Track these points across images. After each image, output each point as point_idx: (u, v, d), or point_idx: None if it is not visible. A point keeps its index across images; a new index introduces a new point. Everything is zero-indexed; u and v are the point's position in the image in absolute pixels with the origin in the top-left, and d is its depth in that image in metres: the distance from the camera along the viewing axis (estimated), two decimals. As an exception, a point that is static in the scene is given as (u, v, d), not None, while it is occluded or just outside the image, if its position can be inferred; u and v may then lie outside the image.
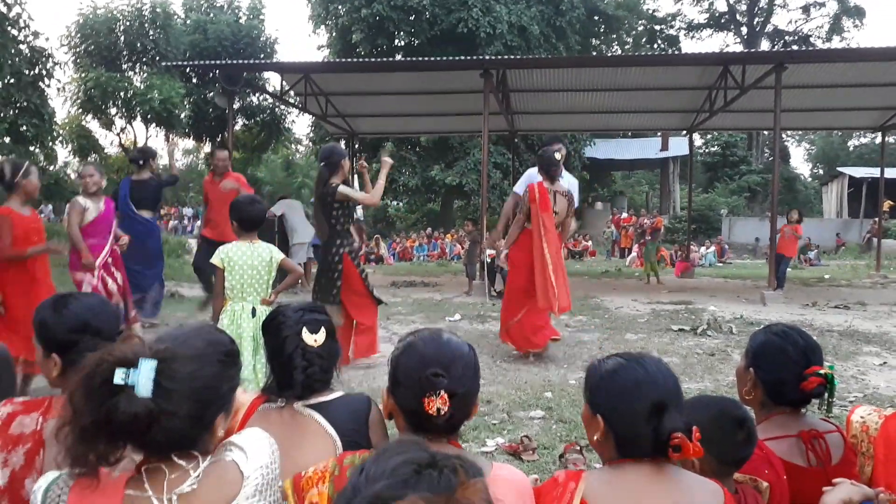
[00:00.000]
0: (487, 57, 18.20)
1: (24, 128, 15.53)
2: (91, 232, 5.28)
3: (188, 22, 24.19)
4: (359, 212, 14.58)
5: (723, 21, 41.68)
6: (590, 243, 24.24)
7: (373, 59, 18.75)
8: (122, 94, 19.91)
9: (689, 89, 13.16)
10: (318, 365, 1.75)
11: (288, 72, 12.73)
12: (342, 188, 5.16)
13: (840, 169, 33.55)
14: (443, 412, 1.36)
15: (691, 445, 1.33)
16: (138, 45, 21.14)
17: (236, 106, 22.31)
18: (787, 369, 1.83)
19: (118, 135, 22.96)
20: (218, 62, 15.91)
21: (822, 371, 1.80)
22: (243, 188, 6.99)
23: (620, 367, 1.45)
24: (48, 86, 16.06)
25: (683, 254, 16.74)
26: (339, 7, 23.12)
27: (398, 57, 23.19)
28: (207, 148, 26.73)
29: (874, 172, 22.28)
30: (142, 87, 20.31)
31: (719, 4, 41.14)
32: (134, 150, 12.08)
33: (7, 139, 15.44)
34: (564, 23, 23.92)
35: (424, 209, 30.04)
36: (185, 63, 20.46)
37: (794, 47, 36.15)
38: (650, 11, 40.09)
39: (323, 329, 1.81)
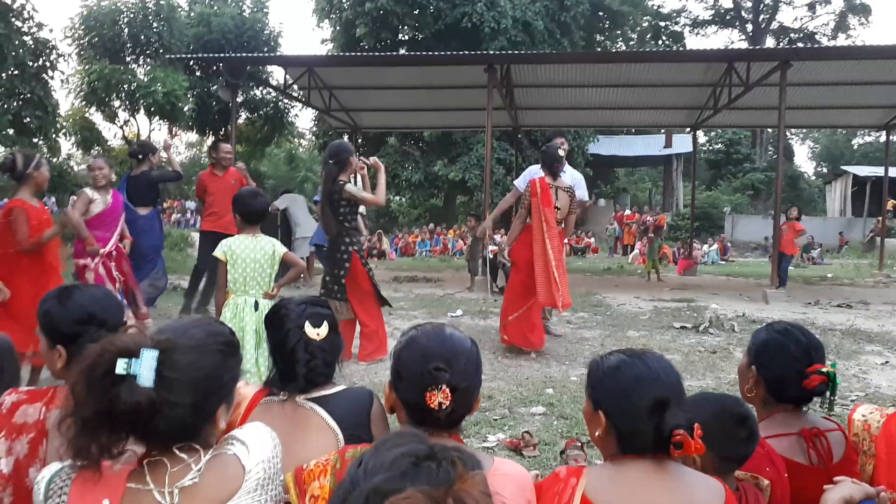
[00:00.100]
0: (491, 52, 18.15)
1: (28, 119, 15.55)
2: (97, 224, 5.27)
3: (192, 14, 24.13)
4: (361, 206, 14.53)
5: (728, 18, 41.52)
6: (592, 240, 24.22)
7: (377, 54, 18.70)
8: (125, 86, 19.90)
9: (694, 86, 13.13)
10: (320, 358, 1.75)
11: (292, 65, 12.70)
12: (349, 187, 5.15)
13: (844, 167, 33.44)
14: (444, 406, 1.37)
15: (693, 442, 1.33)
16: (142, 37, 21.10)
17: (240, 99, 22.30)
18: (789, 367, 1.83)
19: (121, 127, 23.01)
20: (222, 55, 15.92)
21: (824, 369, 1.80)
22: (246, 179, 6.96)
23: (623, 363, 1.45)
24: (52, 77, 16.13)
25: (686, 251, 16.71)
26: (344, 1, 23.09)
27: (402, 51, 23.12)
28: (210, 141, 26.69)
29: (878, 171, 22.18)
30: (145, 79, 20.29)
31: (724, 1, 41.06)
32: (133, 144, 12.00)
33: (11, 130, 15.47)
34: (569, 18, 23.85)
35: (427, 204, 30.03)
36: (189, 56, 20.35)
37: (800, 45, 36.08)
38: (655, 7, 39.89)
39: (325, 323, 1.81)
